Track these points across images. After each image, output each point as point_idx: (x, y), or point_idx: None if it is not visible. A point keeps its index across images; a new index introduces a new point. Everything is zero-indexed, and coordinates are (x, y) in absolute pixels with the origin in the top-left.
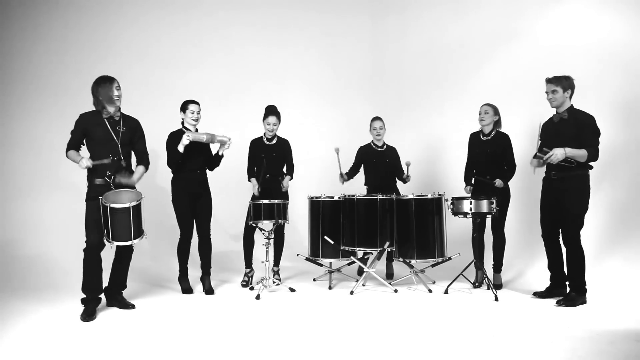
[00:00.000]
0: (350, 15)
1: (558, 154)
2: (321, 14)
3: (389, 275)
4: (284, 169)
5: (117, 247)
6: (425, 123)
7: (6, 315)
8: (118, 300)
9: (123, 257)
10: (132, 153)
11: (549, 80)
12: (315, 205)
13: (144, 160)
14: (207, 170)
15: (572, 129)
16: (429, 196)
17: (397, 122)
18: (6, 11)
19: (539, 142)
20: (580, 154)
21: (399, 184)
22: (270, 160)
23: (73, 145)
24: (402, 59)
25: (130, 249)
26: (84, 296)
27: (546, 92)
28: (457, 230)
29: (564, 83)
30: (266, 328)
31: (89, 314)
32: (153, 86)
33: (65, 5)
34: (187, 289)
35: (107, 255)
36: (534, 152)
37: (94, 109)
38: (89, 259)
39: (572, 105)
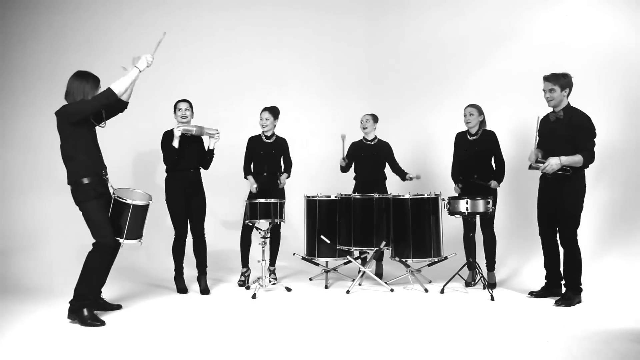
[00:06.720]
0: (347, 15)
1: (553, 164)
2: (318, 14)
3: (378, 274)
4: (282, 167)
5: None
6: (422, 122)
7: (3, 315)
8: (100, 304)
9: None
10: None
11: (546, 79)
12: (312, 205)
13: None
14: (203, 170)
15: (568, 130)
16: (426, 196)
17: (394, 121)
18: (4, 10)
19: (537, 138)
20: (576, 159)
21: (389, 182)
22: (269, 158)
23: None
24: (399, 58)
25: (117, 251)
26: (84, 301)
27: (543, 91)
28: (453, 229)
29: (562, 81)
30: (262, 327)
31: (98, 319)
32: (151, 86)
33: (64, 4)
34: (182, 289)
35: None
36: (532, 149)
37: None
38: (102, 257)
39: (568, 103)
